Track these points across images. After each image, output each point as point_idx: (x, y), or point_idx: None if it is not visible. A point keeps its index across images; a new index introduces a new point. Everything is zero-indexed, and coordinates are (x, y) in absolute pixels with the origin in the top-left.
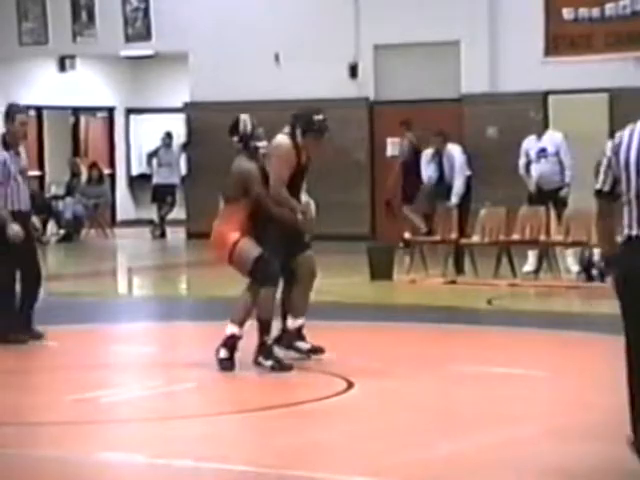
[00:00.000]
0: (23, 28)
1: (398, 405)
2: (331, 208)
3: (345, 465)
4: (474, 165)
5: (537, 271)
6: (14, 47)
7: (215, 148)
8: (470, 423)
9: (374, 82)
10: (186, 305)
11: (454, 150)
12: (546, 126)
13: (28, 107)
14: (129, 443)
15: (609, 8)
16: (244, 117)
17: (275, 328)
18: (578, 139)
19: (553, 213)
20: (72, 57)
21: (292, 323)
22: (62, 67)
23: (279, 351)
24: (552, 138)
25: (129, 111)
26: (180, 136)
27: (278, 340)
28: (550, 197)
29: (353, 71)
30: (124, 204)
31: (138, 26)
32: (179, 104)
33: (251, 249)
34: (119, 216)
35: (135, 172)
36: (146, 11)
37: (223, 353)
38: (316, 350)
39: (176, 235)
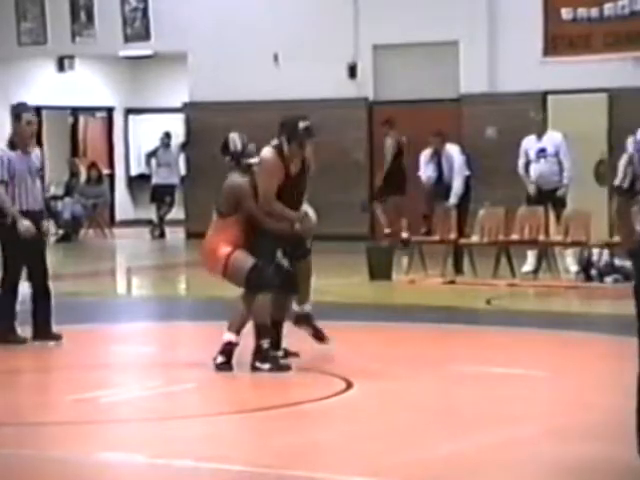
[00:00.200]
0: (22, 28)
1: (398, 405)
2: (330, 208)
3: (345, 465)
4: (473, 165)
5: (536, 271)
6: (13, 47)
7: (214, 148)
8: (470, 423)
9: (373, 82)
10: (185, 305)
11: (453, 150)
12: (546, 126)
13: (12, 108)
14: (129, 443)
15: (608, 8)
16: (233, 136)
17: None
18: (577, 139)
19: (552, 213)
20: (71, 57)
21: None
22: (61, 67)
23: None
24: (552, 138)
25: (128, 111)
26: (179, 136)
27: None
28: (549, 197)
29: (352, 71)
30: (123, 204)
31: (137, 26)
32: (178, 104)
33: (245, 260)
34: (118, 216)
35: (134, 172)
36: (145, 11)
37: (220, 359)
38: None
39: (175, 235)
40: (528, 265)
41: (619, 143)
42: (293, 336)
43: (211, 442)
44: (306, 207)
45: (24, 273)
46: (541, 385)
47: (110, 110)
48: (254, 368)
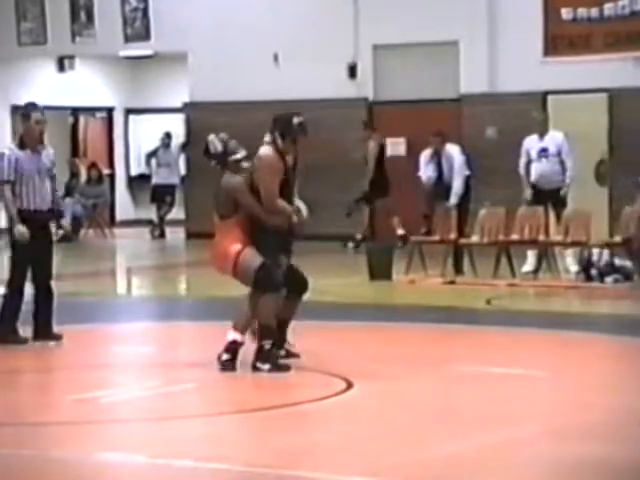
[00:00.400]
0: (22, 28)
1: (398, 405)
2: (330, 208)
3: (344, 465)
4: (473, 165)
5: (536, 271)
6: (13, 47)
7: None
8: (470, 423)
9: (373, 82)
10: (186, 305)
11: (453, 150)
12: (548, 126)
13: (22, 107)
14: (129, 443)
15: (608, 8)
16: (211, 138)
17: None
18: (577, 139)
19: (552, 213)
20: (71, 57)
21: None
22: (61, 67)
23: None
24: (553, 138)
25: (128, 111)
26: (179, 136)
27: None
28: (550, 197)
29: (352, 71)
30: (123, 204)
31: (137, 26)
32: (178, 104)
33: (253, 259)
34: (118, 216)
35: (134, 172)
36: (145, 11)
37: (225, 356)
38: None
39: (175, 235)
40: (528, 265)
41: (619, 143)
42: (293, 336)
43: (211, 442)
44: (298, 202)
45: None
46: (541, 385)
47: (110, 110)
48: (255, 368)
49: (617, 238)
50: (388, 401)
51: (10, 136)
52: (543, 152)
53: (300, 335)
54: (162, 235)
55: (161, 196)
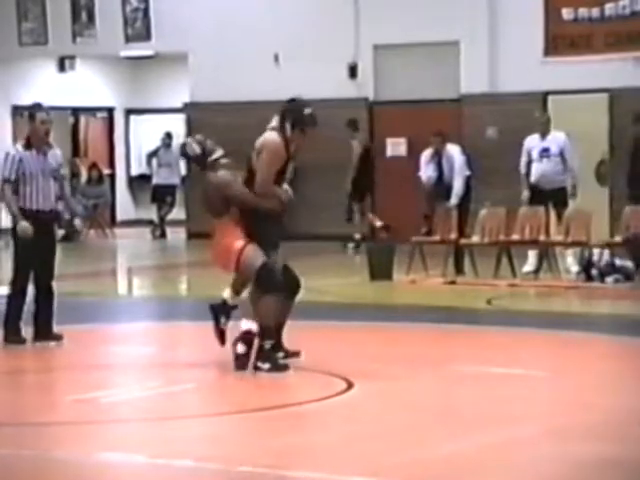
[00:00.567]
0: (23, 28)
1: (398, 405)
2: (331, 208)
3: (345, 465)
4: (473, 165)
5: (537, 271)
6: (14, 47)
7: None
8: (470, 423)
9: (374, 82)
10: (186, 305)
11: (453, 150)
12: (550, 126)
13: (27, 108)
14: (129, 443)
15: (609, 8)
16: (188, 141)
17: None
18: (578, 139)
19: (553, 213)
20: (72, 57)
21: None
22: (62, 67)
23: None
24: (555, 138)
25: (129, 111)
26: (180, 136)
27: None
28: (550, 197)
29: (353, 71)
30: (124, 204)
31: (138, 26)
32: (179, 104)
33: (255, 257)
34: (119, 216)
35: (135, 172)
36: (146, 11)
37: (241, 348)
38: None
39: (176, 235)
40: (529, 265)
41: (620, 143)
42: (294, 336)
43: (211, 442)
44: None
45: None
46: (541, 385)
47: (111, 110)
48: (255, 368)
49: (618, 238)
50: (388, 401)
51: (11, 136)
52: (545, 152)
53: (300, 335)
54: (163, 235)
55: (162, 196)
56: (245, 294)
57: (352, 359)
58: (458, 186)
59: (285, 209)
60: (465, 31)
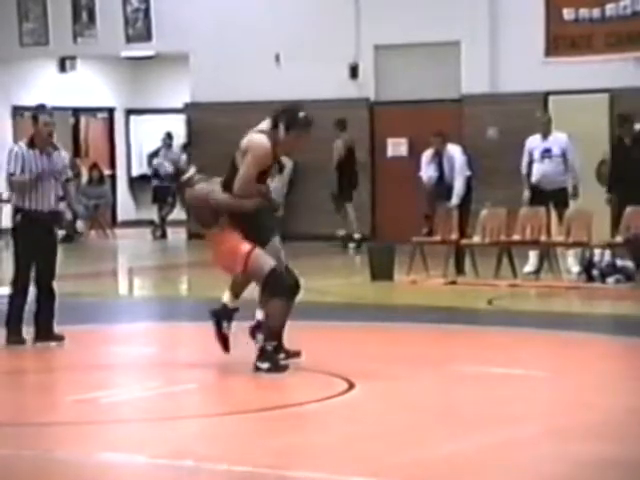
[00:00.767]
0: (24, 29)
1: (398, 405)
2: (331, 208)
3: (345, 465)
4: (474, 165)
5: (538, 271)
6: (15, 48)
7: (215, 148)
8: (470, 423)
9: (374, 82)
10: (187, 306)
11: (454, 151)
12: (551, 127)
13: (28, 108)
14: (129, 443)
15: (609, 8)
16: (159, 162)
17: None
18: (579, 139)
19: (554, 213)
20: (73, 58)
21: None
22: (63, 68)
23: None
24: (557, 139)
25: (129, 112)
26: (181, 137)
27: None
28: (551, 197)
29: (353, 71)
30: (125, 205)
31: (139, 27)
32: (179, 105)
33: (264, 262)
34: (120, 217)
35: (136, 173)
36: (147, 12)
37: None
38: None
39: (177, 236)
40: (530, 265)
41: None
42: (295, 336)
43: (211, 442)
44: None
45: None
46: (541, 385)
47: (111, 111)
48: (256, 368)
49: (618, 238)
50: (389, 401)
51: (11, 136)
52: (546, 153)
53: (301, 335)
54: (163, 236)
55: (162, 197)
56: (245, 294)
57: (352, 359)
58: (459, 186)
59: (270, 202)
60: (466, 31)
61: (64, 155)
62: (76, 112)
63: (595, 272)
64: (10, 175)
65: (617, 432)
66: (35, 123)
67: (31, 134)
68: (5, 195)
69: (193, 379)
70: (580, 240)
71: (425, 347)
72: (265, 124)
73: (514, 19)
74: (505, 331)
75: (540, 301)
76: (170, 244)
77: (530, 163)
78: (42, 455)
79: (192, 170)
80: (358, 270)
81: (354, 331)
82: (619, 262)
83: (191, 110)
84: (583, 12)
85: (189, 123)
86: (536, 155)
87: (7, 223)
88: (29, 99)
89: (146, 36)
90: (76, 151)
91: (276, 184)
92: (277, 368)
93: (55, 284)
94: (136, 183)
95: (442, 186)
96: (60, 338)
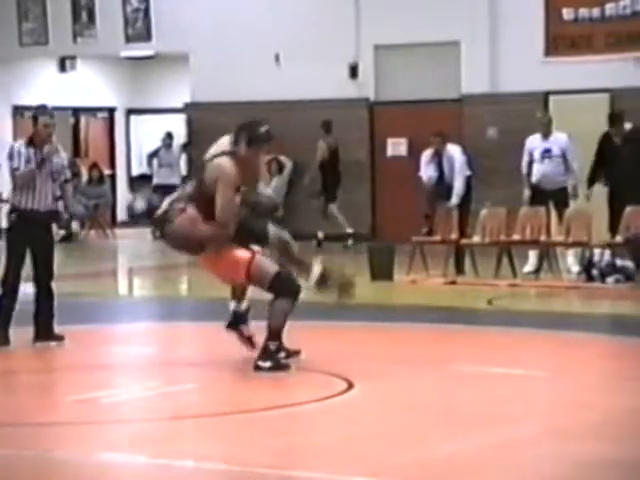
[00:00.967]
0: (23, 28)
1: (398, 405)
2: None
3: (345, 465)
4: (474, 165)
5: (537, 271)
6: (14, 47)
7: None
8: (470, 423)
9: (374, 82)
10: (186, 306)
11: (454, 150)
12: (552, 127)
13: (28, 108)
14: (130, 443)
15: (609, 8)
16: (132, 199)
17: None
18: (579, 139)
19: (554, 213)
20: (72, 57)
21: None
22: (62, 67)
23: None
24: (557, 139)
25: (129, 111)
26: (180, 137)
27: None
28: (551, 197)
29: (353, 71)
30: (125, 205)
31: (138, 27)
32: (179, 105)
33: (268, 266)
34: (119, 217)
35: (135, 172)
36: (146, 12)
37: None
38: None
39: None
40: (529, 265)
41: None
42: (293, 336)
43: (211, 442)
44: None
45: (30, 274)
46: (541, 385)
47: (111, 110)
48: (257, 367)
49: (618, 238)
50: (389, 401)
51: (11, 136)
52: (547, 153)
53: (301, 335)
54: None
55: (162, 196)
56: (248, 294)
57: (352, 359)
58: (459, 186)
59: (228, 233)
60: (466, 31)
61: (63, 155)
62: (76, 112)
63: (595, 272)
64: (14, 170)
65: (617, 432)
66: (35, 124)
67: (30, 134)
68: (5, 195)
69: (193, 379)
70: (580, 240)
71: (425, 347)
72: (226, 140)
73: (514, 19)
74: (505, 331)
75: (540, 301)
76: None
77: (530, 163)
78: (42, 455)
79: (165, 205)
80: (358, 270)
81: (354, 331)
82: (619, 262)
83: (191, 110)
84: (583, 12)
85: (189, 123)
86: (536, 155)
87: (2, 224)
88: (29, 99)
89: (146, 36)
90: (76, 151)
91: (276, 184)
92: (279, 367)
93: (54, 284)
94: (136, 183)
95: (442, 186)
96: (60, 338)
